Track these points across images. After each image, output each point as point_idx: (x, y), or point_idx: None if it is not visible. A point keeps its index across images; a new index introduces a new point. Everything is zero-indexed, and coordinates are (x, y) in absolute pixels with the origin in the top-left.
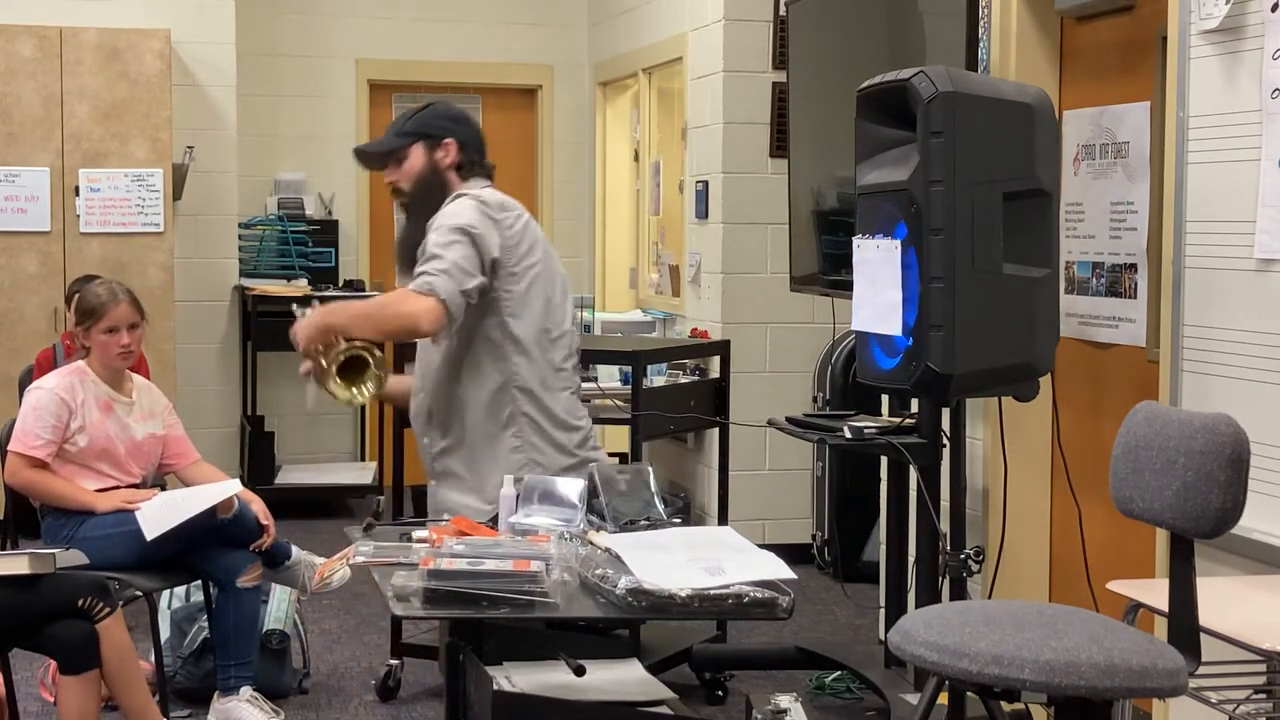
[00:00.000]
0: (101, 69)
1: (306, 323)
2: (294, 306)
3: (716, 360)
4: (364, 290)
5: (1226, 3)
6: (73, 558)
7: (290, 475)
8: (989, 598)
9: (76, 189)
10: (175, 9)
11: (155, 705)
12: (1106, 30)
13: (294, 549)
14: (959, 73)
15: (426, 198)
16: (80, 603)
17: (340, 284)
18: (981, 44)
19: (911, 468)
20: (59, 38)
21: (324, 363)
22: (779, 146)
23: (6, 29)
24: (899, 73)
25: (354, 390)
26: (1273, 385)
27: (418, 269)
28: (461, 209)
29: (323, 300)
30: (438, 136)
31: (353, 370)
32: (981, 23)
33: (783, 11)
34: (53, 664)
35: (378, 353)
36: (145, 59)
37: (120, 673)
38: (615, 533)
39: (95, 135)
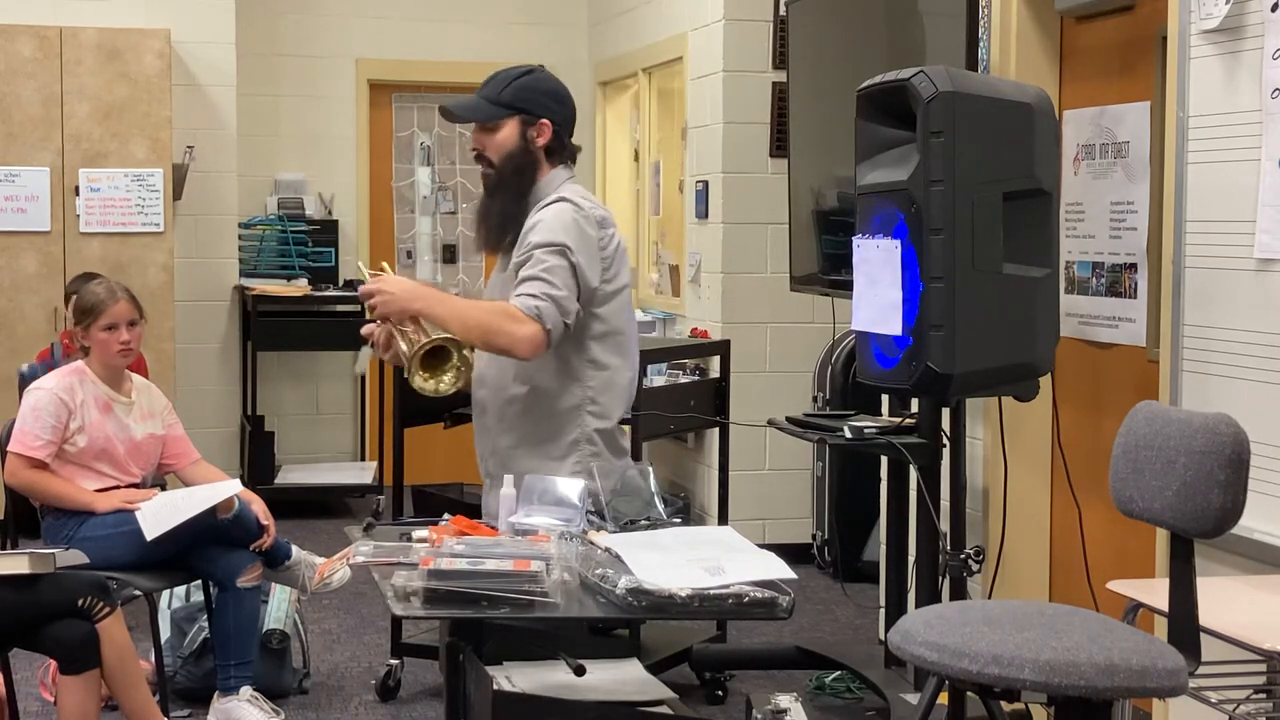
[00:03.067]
0: (101, 69)
1: (395, 298)
2: (360, 266)
3: (716, 360)
4: None
5: (1226, 3)
6: (73, 557)
7: (290, 475)
8: (989, 598)
9: (76, 189)
10: (175, 9)
11: (155, 705)
12: (1106, 30)
13: (294, 549)
14: (959, 73)
15: (514, 178)
16: (80, 602)
17: (340, 284)
18: (981, 44)
19: (911, 468)
20: (59, 38)
21: (403, 346)
22: (779, 146)
23: (6, 29)
24: (899, 73)
25: (436, 381)
26: (1273, 385)
27: (522, 283)
28: (564, 220)
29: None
30: (535, 114)
31: (433, 359)
32: (981, 23)
33: (783, 11)
34: (53, 664)
35: (465, 349)
36: (145, 59)
37: (120, 673)
38: (615, 533)
39: (95, 135)
